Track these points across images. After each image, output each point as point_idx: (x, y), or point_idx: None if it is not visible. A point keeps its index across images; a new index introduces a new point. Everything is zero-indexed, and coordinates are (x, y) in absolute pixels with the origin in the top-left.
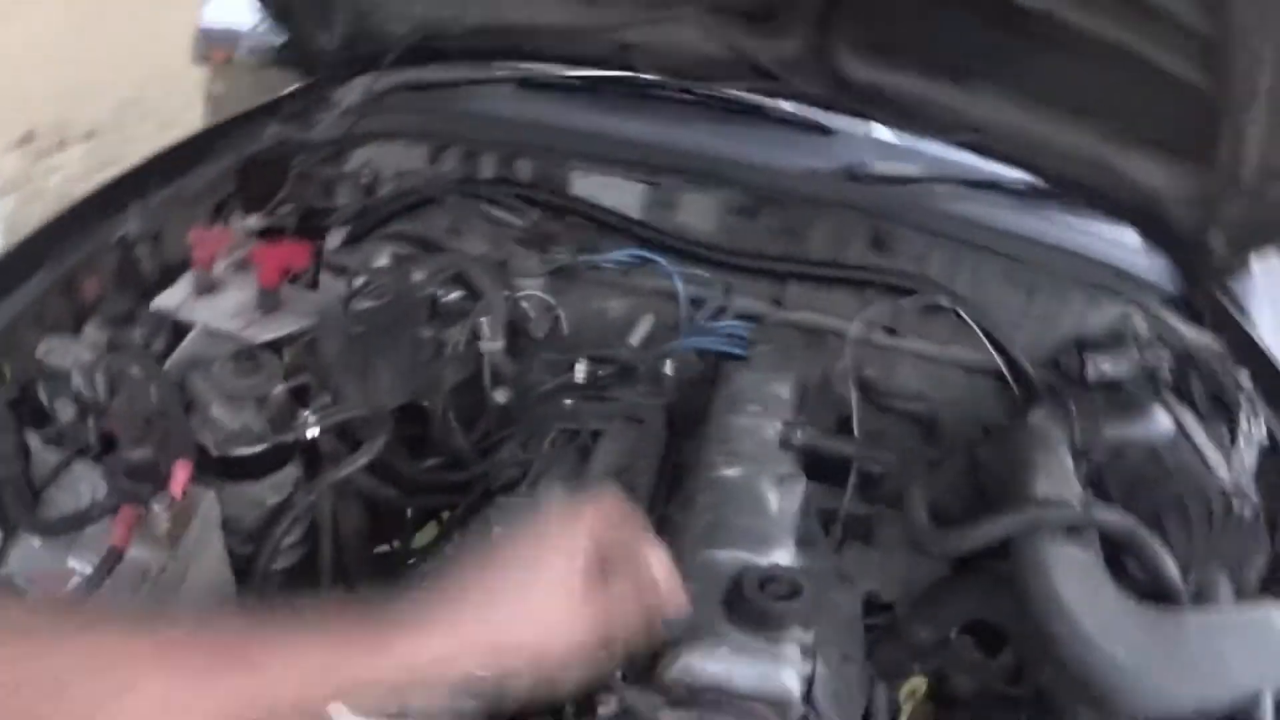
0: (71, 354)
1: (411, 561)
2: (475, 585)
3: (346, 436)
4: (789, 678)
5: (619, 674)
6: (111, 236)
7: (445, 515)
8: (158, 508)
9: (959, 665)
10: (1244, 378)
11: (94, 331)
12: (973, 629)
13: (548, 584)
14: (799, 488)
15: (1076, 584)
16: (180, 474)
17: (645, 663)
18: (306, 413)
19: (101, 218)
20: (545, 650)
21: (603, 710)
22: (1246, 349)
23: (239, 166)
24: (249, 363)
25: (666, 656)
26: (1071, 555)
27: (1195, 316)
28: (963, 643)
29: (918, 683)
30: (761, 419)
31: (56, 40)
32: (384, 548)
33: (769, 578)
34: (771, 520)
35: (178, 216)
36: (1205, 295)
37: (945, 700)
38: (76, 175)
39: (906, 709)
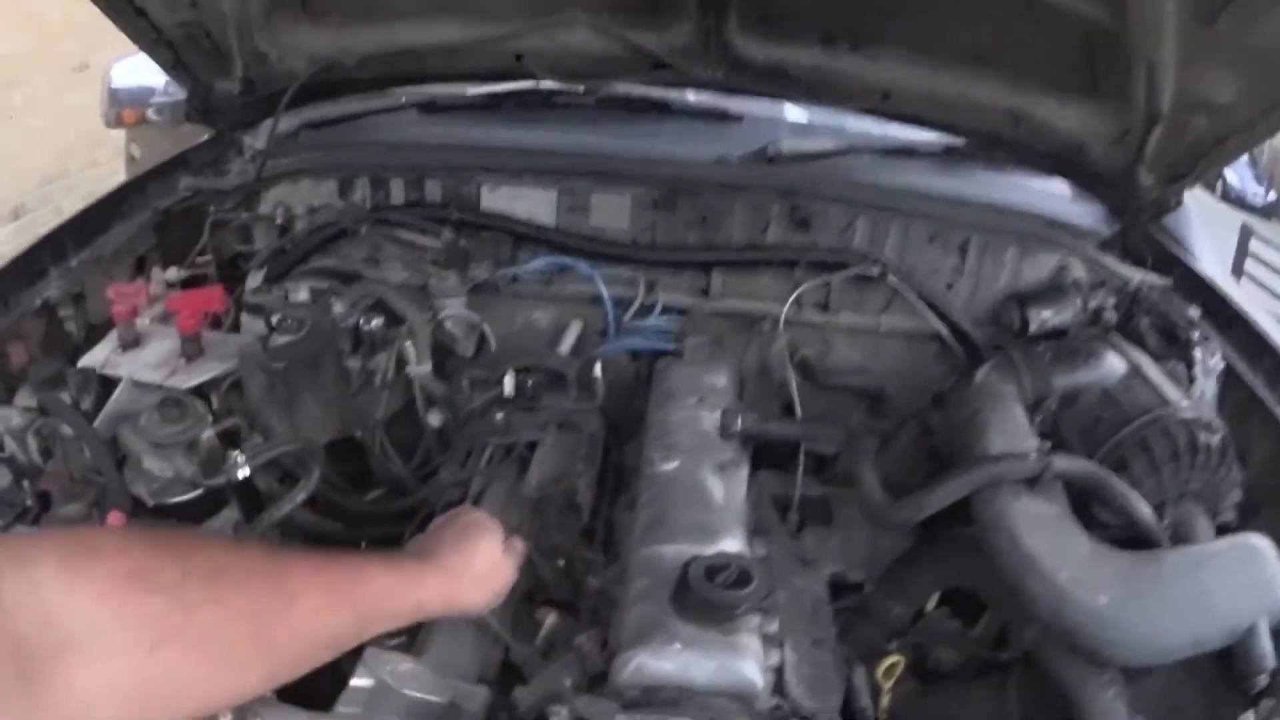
0: (1, 421)
1: None
2: (450, 545)
3: (286, 478)
4: (749, 668)
5: (568, 683)
6: (34, 302)
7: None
8: None
9: (938, 638)
10: (1193, 311)
11: (25, 397)
12: (948, 599)
13: (491, 545)
14: (742, 474)
15: (1045, 537)
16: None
17: (597, 669)
18: (235, 453)
19: (23, 285)
20: (497, 583)
21: None
22: (1192, 284)
23: (155, 221)
24: (174, 409)
25: (618, 660)
26: (1035, 509)
27: (1135, 258)
28: (939, 614)
29: (895, 659)
30: (699, 410)
31: None
32: None
33: (716, 567)
34: (715, 510)
35: (99, 276)
36: (1142, 234)
37: (928, 676)
38: (8, 254)
39: (886, 687)
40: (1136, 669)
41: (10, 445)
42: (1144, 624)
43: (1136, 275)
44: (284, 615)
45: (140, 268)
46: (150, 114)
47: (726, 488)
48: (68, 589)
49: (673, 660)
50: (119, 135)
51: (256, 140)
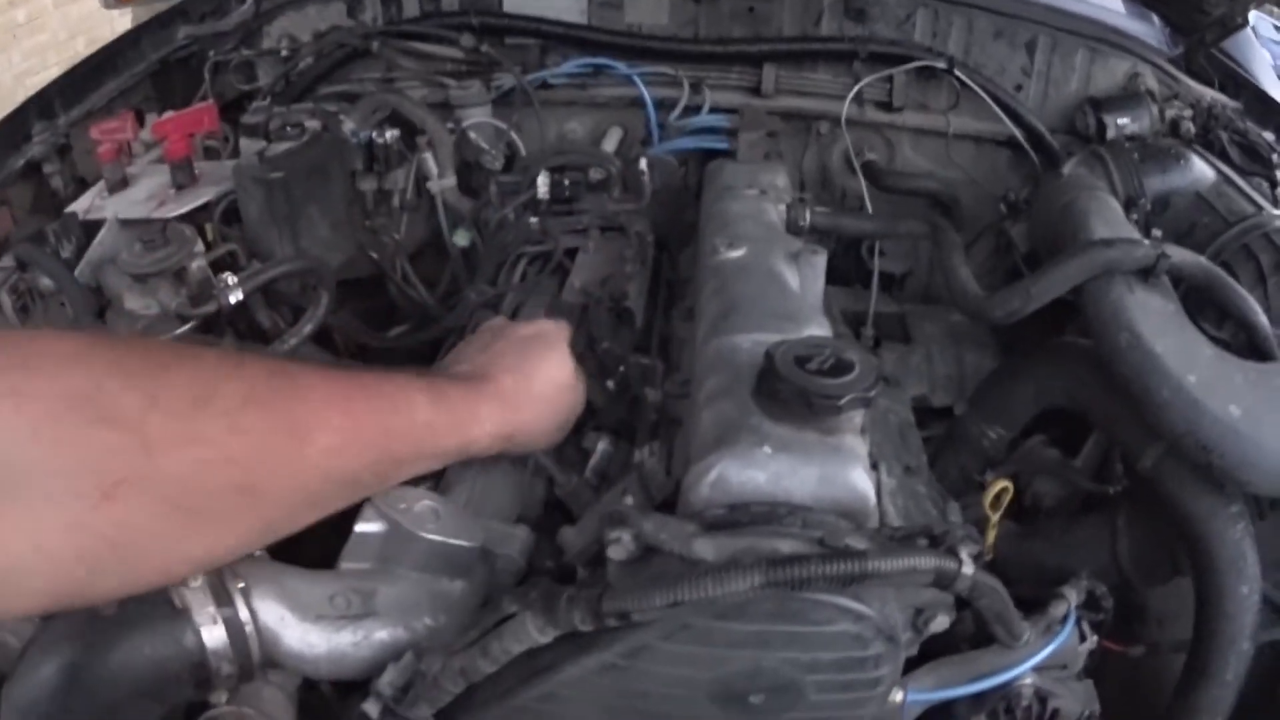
0: None
1: None
2: (509, 363)
3: (296, 313)
4: (857, 476)
5: (628, 501)
6: (17, 164)
7: None
8: None
9: (1038, 468)
10: (1269, 135)
11: (4, 260)
12: (1041, 425)
13: (560, 361)
14: (819, 261)
15: (1169, 335)
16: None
17: (665, 492)
18: (226, 276)
19: (8, 148)
20: (566, 413)
21: (613, 552)
22: (1264, 107)
23: (152, 71)
24: (158, 237)
25: (692, 471)
26: (1154, 303)
27: (1201, 80)
28: (1037, 442)
29: (1004, 484)
30: (761, 201)
31: None
32: None
33: (808, 353)
34: (795, 297)
35: (89, 130)
36: (1206, 56)
37: (1025, 513)
38: None
39: (994, 519)
40: (1257, 513)
41: None
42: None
43: (1209, 93)
44: (291, 458)
45: (138, 120)
46: None
47: (804, 278)
48: (1, 417)
49: (763, 468)
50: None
51: None
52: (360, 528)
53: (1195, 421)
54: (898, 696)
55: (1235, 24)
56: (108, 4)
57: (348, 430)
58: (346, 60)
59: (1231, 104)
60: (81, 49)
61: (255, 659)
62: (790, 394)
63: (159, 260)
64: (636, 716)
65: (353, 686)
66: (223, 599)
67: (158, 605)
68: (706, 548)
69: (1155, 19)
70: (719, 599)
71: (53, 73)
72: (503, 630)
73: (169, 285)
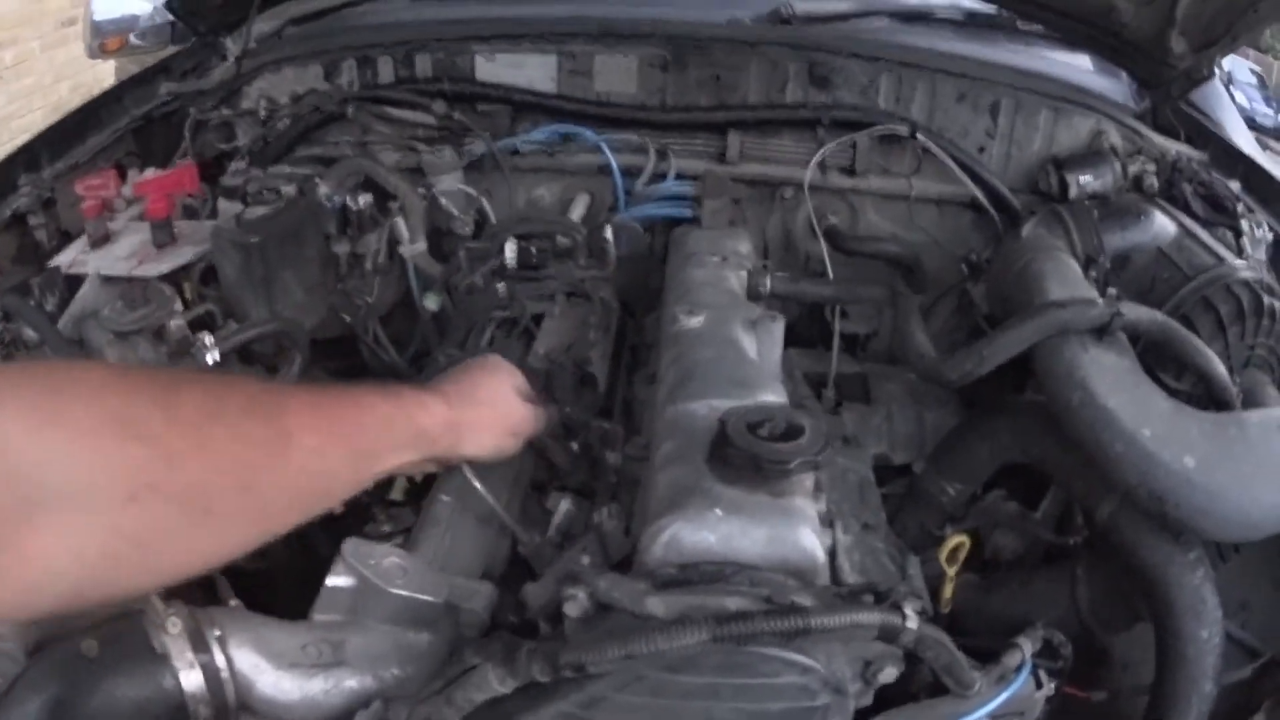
0: None
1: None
2: (453, 378)
3: (270, 372)
4: (805, 536)
5: (585, 560)
6: (3, 214)
7: None
8: None
9: (997, 522)
10: (1234, 184)
11: None
12: (1001, 480)
13: (505, 383)
14: (777, 328)
15: (1122, 391)
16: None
17: (622, 552)
18: (203, 335)
19: None
20: (510, 423)
21: (569, 609)
22: (1230, 157)
23: (134, 127)
24: (138, 295)
25: (647, 532)
26: (1108, 360)
27: (1168, 133)
28: (996, 497)
29: (960, 540)
30: (722, 269)
31: None
32: None
33: (759, 419)
34: (750, 364)
35: (73, 184)
36: (1173, 108)
37: (986, 567)
38: None
39: (951, 573)
40: (1217, 556)
41: None
42: (1235, 490)
43: (1174, 146)
44: (278, 459)
45: (120, 177)
46: (133, 38)
47: (761, 344)
48: (35, 436)
49: (714, 529)
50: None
51: (237, 43)
52: (331, 581)
53: (1149, 473)
54: None
55: (1201, 76)
56: (92, 53)
57: (323, 430)
58: (323, 123)
59: (1197, 155)
60: (66, 93)
61: (231, 703)
62: (742, 459)
63: (139, 319)
64: None
65: None
66: (200, 645)
67: (139, 649)
68: (657, 605)
69: (1122, 74)
70: (669, 653)
71: (37, 116)
72: (466, 680)
73: (148, 342)
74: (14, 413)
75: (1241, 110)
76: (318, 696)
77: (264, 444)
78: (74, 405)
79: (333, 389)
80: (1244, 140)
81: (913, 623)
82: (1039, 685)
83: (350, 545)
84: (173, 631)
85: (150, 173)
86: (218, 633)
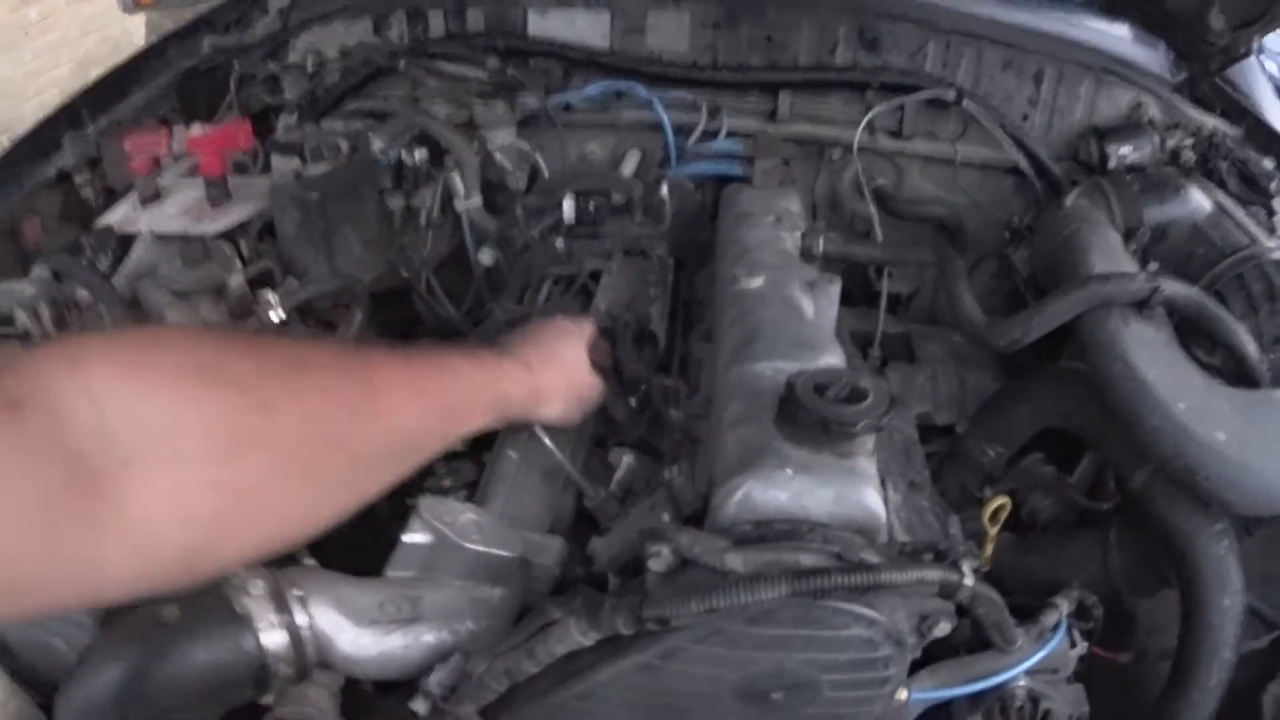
0: (14, 295)
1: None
2: (532, 345)
3: (327, 327)
4: (870, 496)
5: (666, 515)
6: (48, 173)
7: None
8: None
9: (1035, 485)
10: (1268, 163)
11: (39, 269)
12: (1039, 444)
13: (576, 347)
14: (833, 293)
15: (1160, 364)
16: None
17: (692, 507)
18: (267, 292)
19: (37, 157)
20: (583, 391)
21: (654, 564)
22: (1265, 136)
23: (178, 82)
24: (198, 253)
25: (720, 491)
26: (1147, 334)
27: (1204, 105)
28: (1034, 460)
29: (1002, 501)
30: (777, 230)
31: None
32: None
33: (825, 382)
34: (811, 325)
35: (118, 141)
36: (1210, 83)
37: (1023, 527)
38: None
39: (992, 533)
40: (1243, 530)
41: (21, 318)
42: (1264, 465)
43: (1210, 121)
44: (368, 413)
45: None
46: None
47: (818, 305)
48: (132, 391)
49: (785, 488)
50: (138, 39)
51: None
52: (407, 538)
53: (1183, 446)
54: (903, 695)
55: (1239, 54)
56: (126, 7)
57: (411, 387)
58: (372, 77)
59: (1232, 131)
60: (93, 47)
61: (311, 662)
62: (810, 420)
63: (201, 277)
64: (665, 713)
65: (391, 686)
66: (282, 606)
67: (219, 613)
68: (736, 561)
69: (1161, 45)
70: (749, 606)
71: (63, 71)
72: (548, 634)
73: (209, 301)
74: (104, 370)
75: (1273, 79)
76: (396, 652)
77: (353, 399)
78: (165, 358)
79: (418, 350)
80: (1278, 117)
81: (970, 580)
82: (1073, 644)
83: (426, 502)
84: (255, 593)
85: (198, 128)
86: (299, 593)
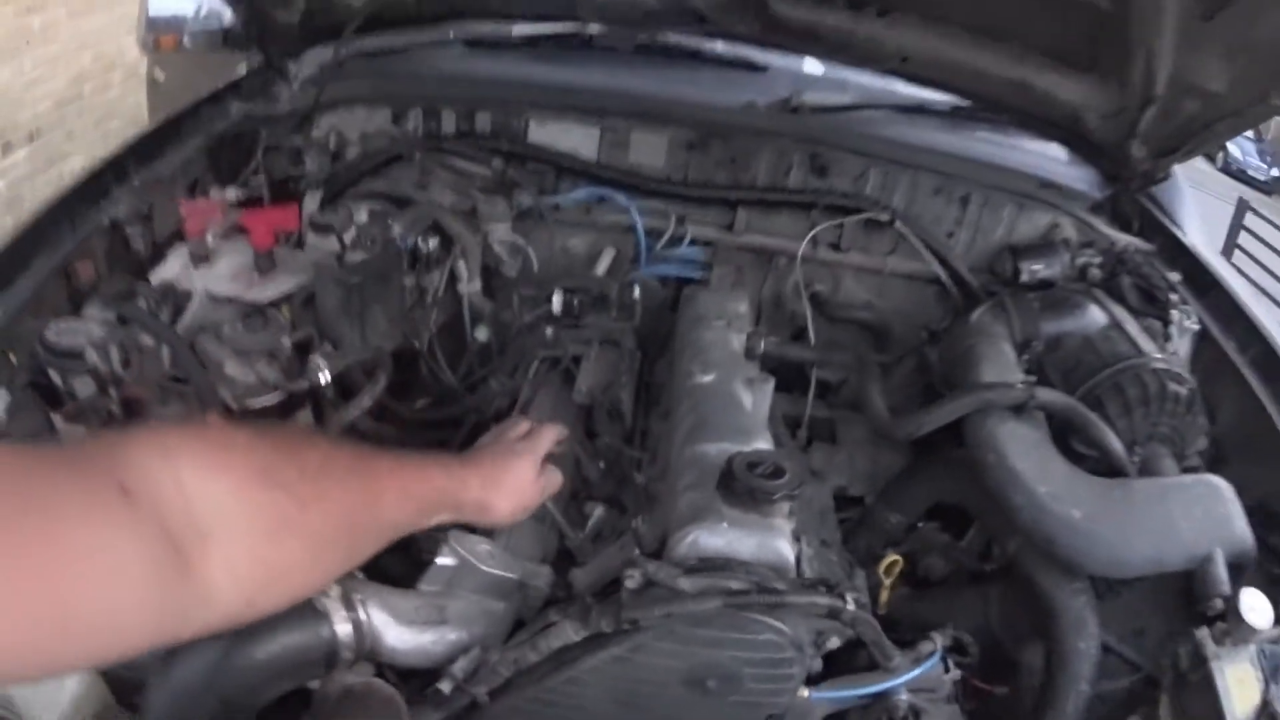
0: (83, 333)
1: None
2: (491, 458)
3: (341, 383)
4: (783, 546)
5: (637, 551)
6: (101, 221)
7: None
8: None
9: (929, 548)
10: (1174, 276)
11: (98, 311)
12: (939, 514)
13: (525, 467)
14: (768, 388)
15: (1028, 456)
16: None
17: (651, 549)
18: (317, 357)
19: (87, 205)
20: (525, 500)
21: (629, 583)
22: (1175, 250)
23: (209, 145)
24: (258, 320)
25: (675, 536)
26: (1020, 431)
27: (1123, 223)
28: (930, 527)
29: (895, 558)
30: (726, 332)
31: None
32: None
33: (755, 461)
34: (749, 416)
35: (160, 196)
36: (1131, 201)
37: (919, 583)
38: (24, 176)
39: (886, 583)
40: (1106, 589)
41: (91, 356)
42: (1113, 538)
43: (1122, 238)
44: (371, 510)
45: (193, 190)
46: (185, 41)
47: (756, 399)
48: (206, 482)
49: (722, 536)
50: (131, 60)
51: (302, 69)
52: (440, 561)
53: (1040, 521)
54: (804, 693)
55: (1158, 178)
56: (146, 46)
57: (401, 490)
58: (387, 162)
59: (1145, 246)
60: (88, 63)
61: (366, 649)
62: (742, 489)
63: (260, 341)
64: (632, 696)
65: (412, 673)
66: (350, 605)
67: (304, 607)
68: (686, 583)
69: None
70: (694, 614)
71: (59, 84)
72: (548, 632)
73: (265, 360)
74: (189, 463)
75: (1235, 163)
76: (427, 646)
77: (362, 499)
78: (232, 458)
79: (405, 458)
80: (1194, 231)
81: (851, 606)
82: (946, 670)
83: (455, 534)
84: (332, 595)
85: (233, 192)
86: (359, 597)
